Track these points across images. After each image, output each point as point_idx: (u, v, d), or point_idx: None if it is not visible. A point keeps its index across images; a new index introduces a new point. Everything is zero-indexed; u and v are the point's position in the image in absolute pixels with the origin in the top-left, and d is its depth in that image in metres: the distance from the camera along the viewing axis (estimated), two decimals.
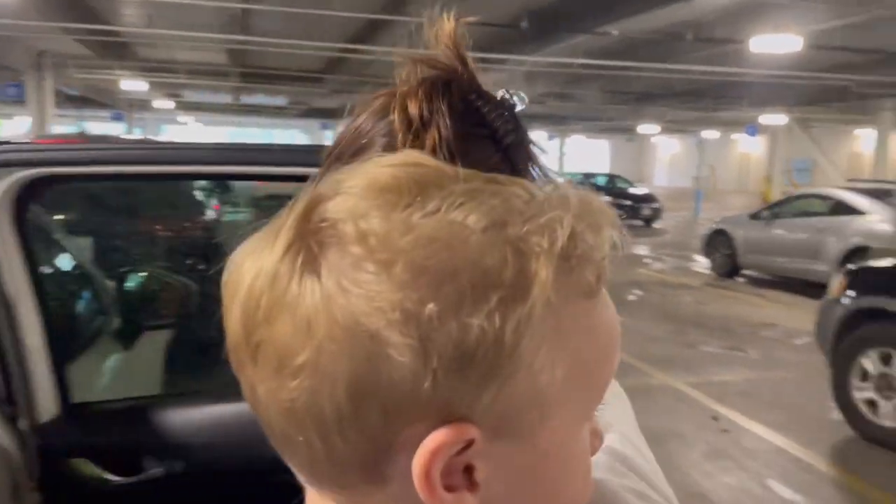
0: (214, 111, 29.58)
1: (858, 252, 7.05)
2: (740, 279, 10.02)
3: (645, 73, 12.98)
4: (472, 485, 0.34)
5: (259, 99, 24.27)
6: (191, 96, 23.34)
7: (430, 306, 0.32)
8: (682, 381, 5.34)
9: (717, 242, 10.21)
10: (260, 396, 0.35)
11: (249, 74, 16.30)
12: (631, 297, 8.35)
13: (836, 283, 4.55)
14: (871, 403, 4.23)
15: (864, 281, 4.46)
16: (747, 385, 5.39)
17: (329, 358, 0.32)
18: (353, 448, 0.34)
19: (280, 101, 24.80)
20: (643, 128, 28.13)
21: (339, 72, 15.88)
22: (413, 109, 0.52)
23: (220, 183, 8.25)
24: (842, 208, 8.56)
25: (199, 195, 6.65)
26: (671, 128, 29.06)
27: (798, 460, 4.05)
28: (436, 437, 0.33)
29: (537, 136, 0.60)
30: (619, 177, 22.43)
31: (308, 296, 0.33)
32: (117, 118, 25.74)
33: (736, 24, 10.20)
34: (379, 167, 0.35)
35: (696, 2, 8.93)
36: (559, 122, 28.03)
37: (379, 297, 0.32)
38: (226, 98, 23.92)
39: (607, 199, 0.44)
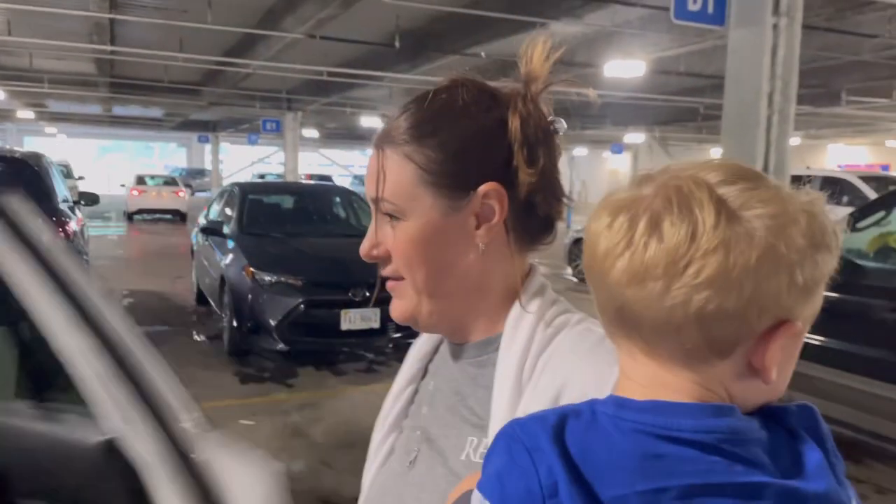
0: (83, 122, 28.22)
1: None
2: None
3: None
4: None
5: (133, 110, 23.40)
6: (56, 106, 22.21)
7: (801, 241, 0.51)
8: None
9: (577, 251, 10.96)
10: (673, 306, 0.50)
11: (119, 85, 15.79)
12: None
13: None
14: None
15: None
16: None
17: (739, 276, 0.50)
18: (728, 333, 0.51)
19: (155, 112, 24.03)
20: None
21: (216, 84, 15.70)
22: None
23: (88, 197, 8.07)
24: None
25: (65, 207, 6.47)
26: None
27: None
28: (789, 328, 0.52)
29: None
30: None
31: (742, 239, 0.50)
32: None
33: (593, 50, 11.05)
34: (725, 164, 0.55)
35: (554, 28, 9.64)
36: None
37: (772, 236, 0.50)
38: (95, 109, 22.91)
39: None
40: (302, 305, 5.60)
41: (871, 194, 9.28)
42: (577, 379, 0.68)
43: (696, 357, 0.52)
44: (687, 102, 14.87)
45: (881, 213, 4.15)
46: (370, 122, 18.92)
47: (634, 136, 21.32)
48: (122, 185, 22.15)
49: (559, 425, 0.54)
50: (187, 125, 28.18)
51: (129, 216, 20.01)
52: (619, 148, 24.17)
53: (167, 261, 11.88)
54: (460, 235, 0.74)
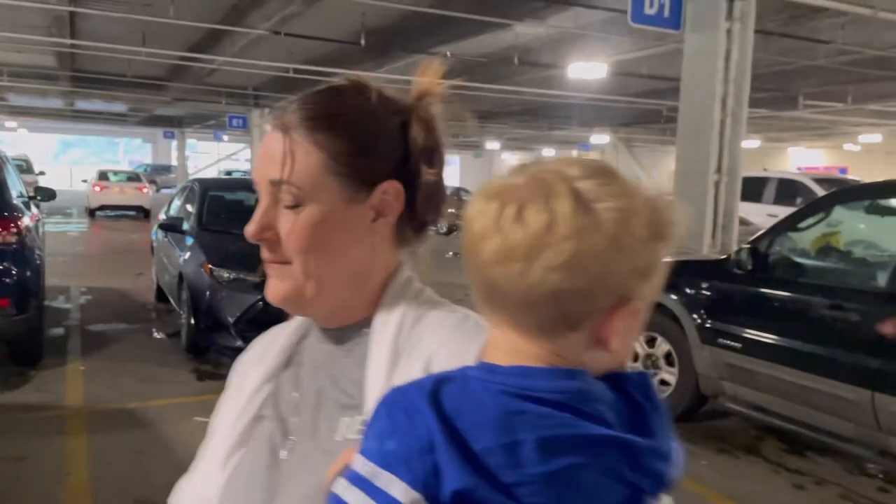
0: (45, 116, 27.66)
1: None
2: None
3: (482, 94, 13.78)
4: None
5: (96, 105, 23.01)
6: (16, 100, 21.76)
7: (642, 232, 0.57)
8: None
9: None
10: (532, 284, 0.56)
11: (81, 79, 15.53)
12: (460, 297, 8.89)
13: None
14: None
15: None
16: None
17: (589, 260, 0.56)
18: (577, 309, 0.58)
19: (119, 107, 23.66)
20: (490, 144, 29.45)
21: (181, 79, 15.53)
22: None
23: (45, 193, 7.94)
24: None
25: (19, 202, 6.36)
26: (513, 145, 30.60)
27: None
28: (629, 305, 0.59)
29: None
30: (464, 189, 23.42)
31: (593, 228, 0.56)
32: None
33: (557, 51, 11.17)
34: (587, 160, 0.61)
35: (518, 30, 9.74)
36: None
37: (618, 227, 0.57)
38: (57, 103, 22.49)
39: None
40: (261, 302, 5.57)
41: None
42: (443, 351, 0.75)
43: (552, 329, 0.59)
44: (650, 104, 15.11)
45: (821, 214, 4.28)
46: None
47: (599, 138, 21.58)
48: (84, 181, 21.74)
49: (435, 389, 0.59)
50: (152, 120, 27.78)
51: (91, 212, 19.67)
52: (586, 148, 24.43)
53: (128, 258, 11.73)
54: (357, 226, 0.78)
